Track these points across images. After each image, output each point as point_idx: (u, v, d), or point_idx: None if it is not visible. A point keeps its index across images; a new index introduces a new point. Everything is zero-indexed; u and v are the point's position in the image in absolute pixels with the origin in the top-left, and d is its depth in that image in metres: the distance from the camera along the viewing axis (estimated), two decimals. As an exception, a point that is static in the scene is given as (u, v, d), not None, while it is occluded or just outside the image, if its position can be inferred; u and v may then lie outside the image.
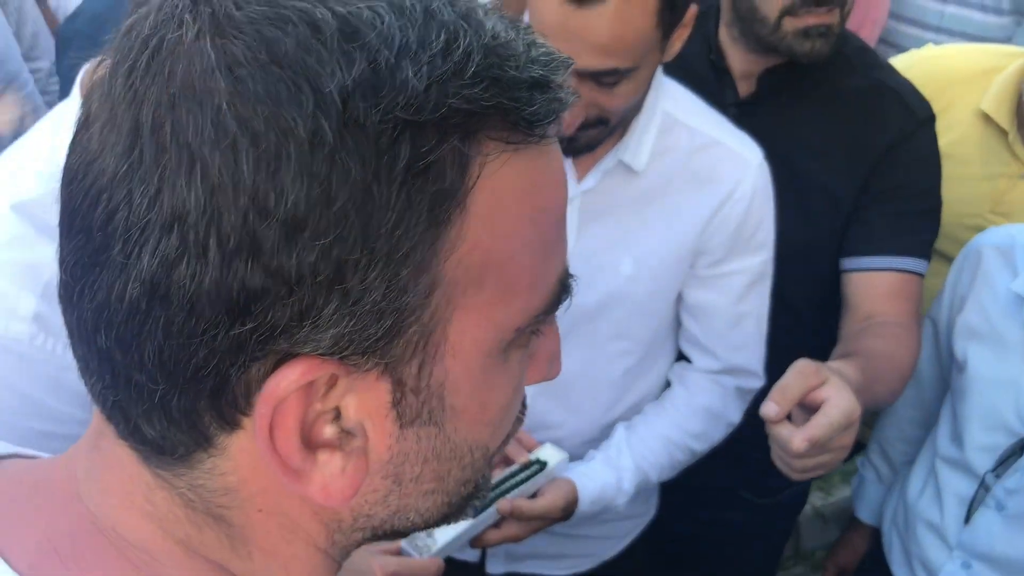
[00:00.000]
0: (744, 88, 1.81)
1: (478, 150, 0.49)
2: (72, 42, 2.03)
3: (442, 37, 0.47)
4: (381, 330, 0.48)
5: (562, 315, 0.66)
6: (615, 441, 1.65)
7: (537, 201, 0.55)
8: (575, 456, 1.65)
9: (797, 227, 1.71)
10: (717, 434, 1.72)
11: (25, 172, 1.10)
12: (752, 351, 1.68)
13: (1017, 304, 1.52)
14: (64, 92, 1.79)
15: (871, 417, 2.00)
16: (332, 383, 0.49)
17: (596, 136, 1.45)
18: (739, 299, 1.63)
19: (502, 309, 0.55)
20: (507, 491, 1.51)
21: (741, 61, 1.79)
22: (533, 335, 0.60)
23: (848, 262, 1.78)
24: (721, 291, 1.62)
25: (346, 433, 0.51)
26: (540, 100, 0.51)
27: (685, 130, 1.55)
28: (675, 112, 1.55)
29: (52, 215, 0.97)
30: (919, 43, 2.33)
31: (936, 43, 2.26)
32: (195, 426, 0.49)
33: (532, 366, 0.65)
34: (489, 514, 1.47)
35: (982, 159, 1.91)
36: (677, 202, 1.55)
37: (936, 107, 1.87)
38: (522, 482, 1.52)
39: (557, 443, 1.64)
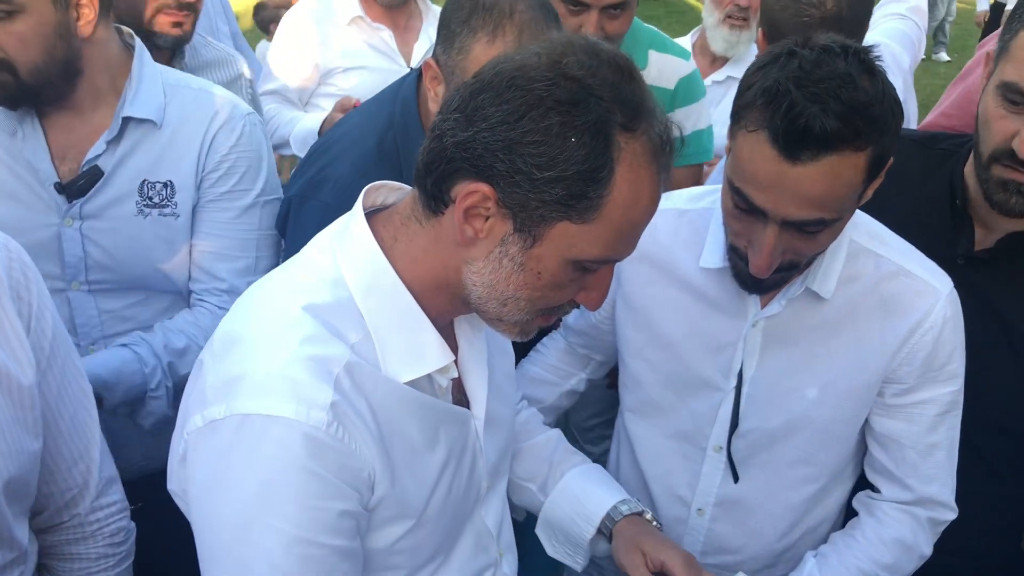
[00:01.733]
0: (982, 241, 1.77)
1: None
2: None
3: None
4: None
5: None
6: (806, 571, 1.62)
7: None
8: None
9: (1010, 385, 1.68)
10: (909, 567, 1.66)
11: (313, 280, 1.22)
12: (944, 482, 1.63)
13: None
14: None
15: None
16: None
17: (784, 278, 1.49)
18: (930, 429, 1.59)
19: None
20: None
21: (987, 213, 1.73)
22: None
23: None
24: (912, 420, 1.59)
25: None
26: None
27: (872, 257, 1.56)
28: (861, 240, 1.56)
29: (337, 319, 1.20)
30: None
31: None
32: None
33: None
34: None
35: None
36: (865, 330, 1.55)
37: None
38: None
39: (734, 568, 1.63)
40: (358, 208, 1.26)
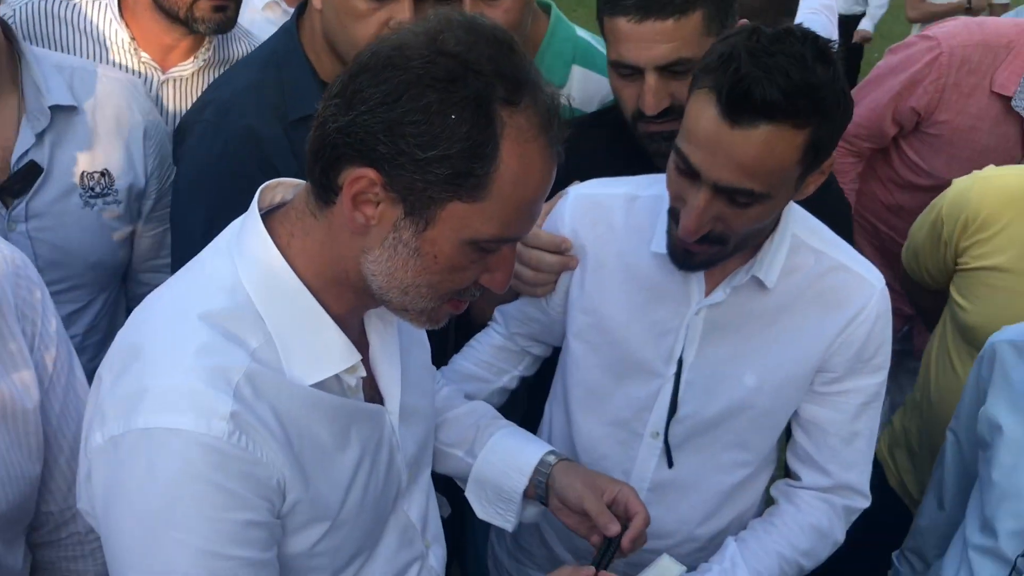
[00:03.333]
0: None
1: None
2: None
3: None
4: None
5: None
6: (729, 554, 1.66)
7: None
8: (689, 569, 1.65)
9: None
10: (824, 553, 1.74)
11: (210, 285, 1.19)
12: (861, 470, 1.72)
13: None
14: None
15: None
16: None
17: (713, 255, 1.52)
18: (854, 418, 1.67)
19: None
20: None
21: None
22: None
23: None
24: (837, 408, 1.67)
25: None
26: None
27: (812, 252, 1.62)
28: (801, 234, 1.63)
29: (236, 325, 1.13)
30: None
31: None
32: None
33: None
34: None
35: None
36: (803, 321, 1.62)
37: (998, 223, 1.99)
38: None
39: (665, 552, 1.64)
40: (253, 208, 1.23)
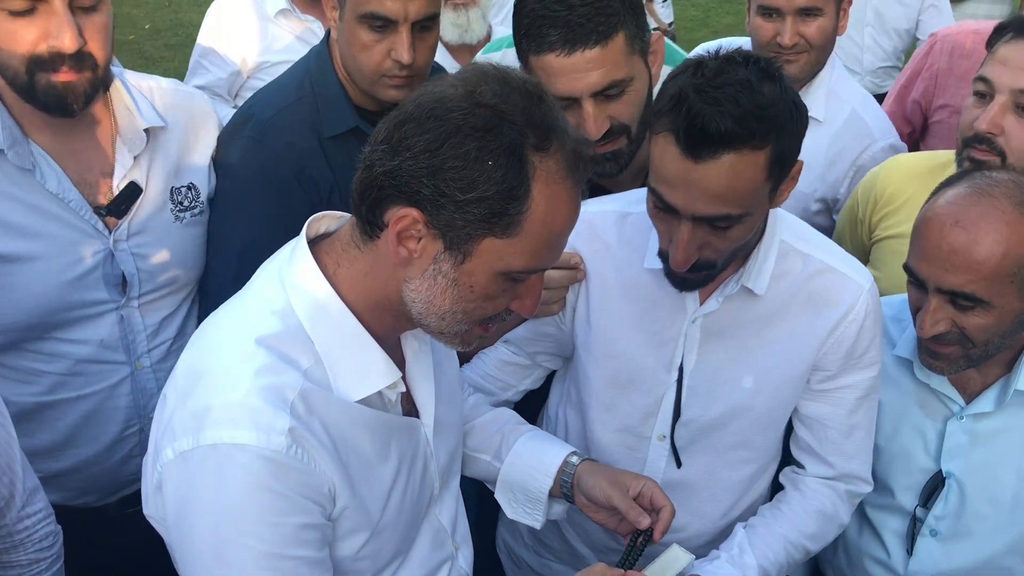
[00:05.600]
0: None
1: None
2: None
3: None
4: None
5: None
6: (737, 541, 1.77)
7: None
8: (697, 557, 1.76)
9: None
10: (830, 535, 1.84)
11: (264, 310, 1.31)
12: (862, 460, 1.81)
13: (904, 364, 1.84)
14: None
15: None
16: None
17: (707, 276, 1.62)
18: (852, 411, 1.76)
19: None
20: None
21: None
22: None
23: None
24: (835, 404, 1.76)
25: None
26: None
27: (800, 256, 1.70)
28: (789, 240, 1.70)
29: (288, 347, 1.26)
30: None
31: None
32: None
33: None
34: None
35: None
36: (795, 323, 1.70)
37: (902, 197, 2.17)
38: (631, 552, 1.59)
39: (679, 544, 1.76)
40: (302, 238, 1.35)
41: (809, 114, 2.57)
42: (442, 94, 1.22)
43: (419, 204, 1.21)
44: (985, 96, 1.99)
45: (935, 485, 1.82)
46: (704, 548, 1.82)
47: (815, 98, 2.52)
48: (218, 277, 1.99)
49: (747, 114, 1.40)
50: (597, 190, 1.85)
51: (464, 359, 1.97)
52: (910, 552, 1.87)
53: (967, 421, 1.80)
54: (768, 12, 2.43)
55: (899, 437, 1.85)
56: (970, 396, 1.81)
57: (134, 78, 1.95)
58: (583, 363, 1.82)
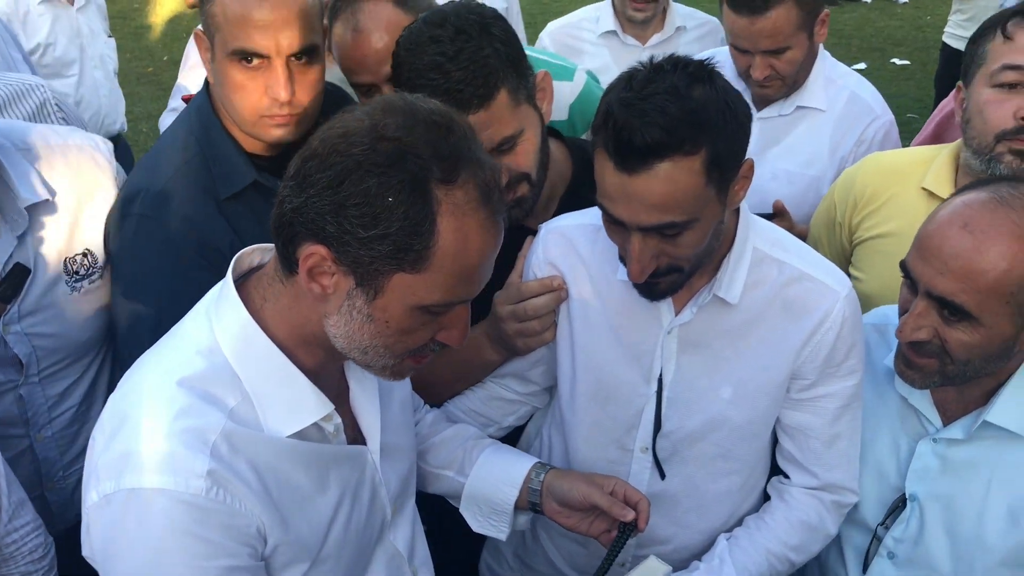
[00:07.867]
0: None
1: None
2: None
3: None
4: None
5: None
6: (718, 552, 1.76)
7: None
8: (680, 568, 1.76)
9: None
10: (815, 547, 1.81)
11: (189, 351, 1.31)
12: (846, 469, 1.78)
13: (891, 376, 1.75)
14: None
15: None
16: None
17: (675, 281, 1.60)
18: (833, 420, 1.74)
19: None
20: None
21: None
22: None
23: None
24: (816, 413, 1.74)
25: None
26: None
27: (775, 264, 1.68)
28: (763, 247, 1.69)
29: (213, 386, 1.27)
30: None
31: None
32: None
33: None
34: None
35: None
36: (771, 331, 1.69)
37: (884, 196, 2.14)
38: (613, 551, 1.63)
39: (666, 557, 1.75)
40: (228, 275, 1.36)
41: (812, 106, 2.60)
42: (347, 128, 1.22)
43: (326, 241, 1.21)
44: (1016, 85, 1.88)
45: (897, 505, 1.76)
46: (689, 561, 1.80)
47: (814, 91, 2.60)
48: (134, 355, 1.69)
49: (675, 121, 1.40)
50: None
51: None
52: (864, 572, 1.81)
53: (941, 445, 1.73)
54: (739, 48, 2.49)
55: (875, 448, 1.80)
56: (949, 419, 1.73)
57: (19, 134, 1.84)
58: (565, 377, 1.82)
